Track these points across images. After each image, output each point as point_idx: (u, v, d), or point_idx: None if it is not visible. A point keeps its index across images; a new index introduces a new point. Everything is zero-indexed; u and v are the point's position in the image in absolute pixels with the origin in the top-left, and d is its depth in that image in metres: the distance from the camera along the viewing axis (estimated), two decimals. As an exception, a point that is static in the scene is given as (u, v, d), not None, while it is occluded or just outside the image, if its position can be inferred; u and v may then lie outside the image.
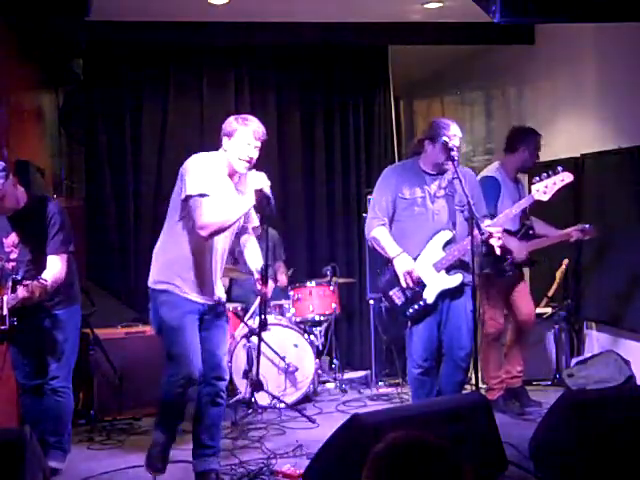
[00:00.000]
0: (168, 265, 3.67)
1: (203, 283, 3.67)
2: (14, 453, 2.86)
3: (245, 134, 3.61)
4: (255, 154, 3.65)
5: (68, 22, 4.54)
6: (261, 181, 3.60)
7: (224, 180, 3.66)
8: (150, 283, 3.71)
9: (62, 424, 4.02)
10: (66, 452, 4.06)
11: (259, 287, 3.82)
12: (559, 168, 4.20)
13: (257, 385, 4.84)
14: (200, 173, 3.56)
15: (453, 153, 4.05)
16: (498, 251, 4.09)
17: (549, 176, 4.18)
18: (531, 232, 4.84)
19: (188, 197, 3.53)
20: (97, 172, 6.14)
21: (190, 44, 6.12)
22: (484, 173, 4.93)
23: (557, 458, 3.31)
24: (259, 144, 3.65)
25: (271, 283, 3.91)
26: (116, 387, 4.93)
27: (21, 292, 3.55)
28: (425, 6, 5.68)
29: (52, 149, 5.90)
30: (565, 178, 4.18)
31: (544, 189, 4.17)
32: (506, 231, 4.63)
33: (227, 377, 3.88)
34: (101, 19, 5.01)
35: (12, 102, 4.79)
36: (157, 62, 6.21)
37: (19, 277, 3.65)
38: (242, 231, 3.89)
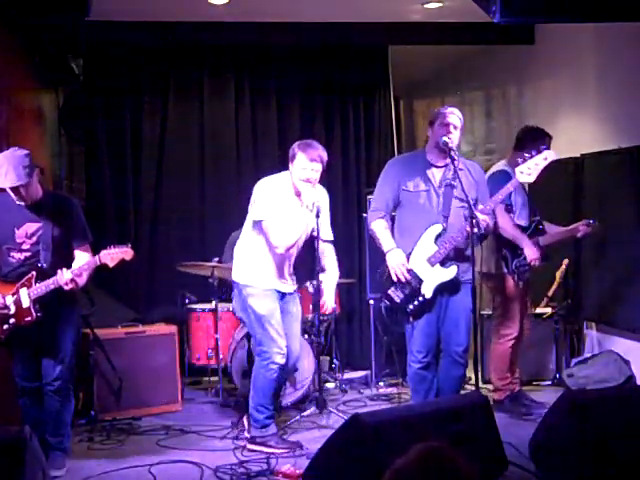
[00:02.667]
0: (250, 264, 4.29)
1: (279, 276, 4.30)
2: (14, 453, 2.86)
3: (301, 159, 4.11)
4: (313, 175, 4.13)
5: (68, 22, 4.54)
6: (310, 196, 4.17)
7: (290, 199, 4.22)
8: (236, 278, 4.34)
9: (63, 425, 4.02)
10: (66, 453, 4.06)
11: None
12: (542, 147, 4.13)
13: (322, 403, 4.73)
14: (266, 199, 4.17)
15: (451, 136, 4.08)
16: (483, 225, 4.00)
17: (532, 156, 4.09)
18: (540, 227, 4.82)
19: (259, 222, 4.19)
20: (97, 172, 6.15)
21: (190, 44, 6.12)
22: (494, 169, 4.90)
23: (557, 458, 3.31)
24: (316, 166, 4.12)
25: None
26: (116, 387, 4.94)
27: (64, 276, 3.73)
28: (425, 6, 5.69)
29: (52, 149, 5.89)
30: (548, 157, 4.08)
31: (528, 170, 4.08)
32: (518, 226, 4.73)
33: (294, 354, 4.41)
34: (101, 19, 5.00)
35: (12, 102, 4.79)
36: (157, 62, 6.21)
37: (45, 266, 3.79)
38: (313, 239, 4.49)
